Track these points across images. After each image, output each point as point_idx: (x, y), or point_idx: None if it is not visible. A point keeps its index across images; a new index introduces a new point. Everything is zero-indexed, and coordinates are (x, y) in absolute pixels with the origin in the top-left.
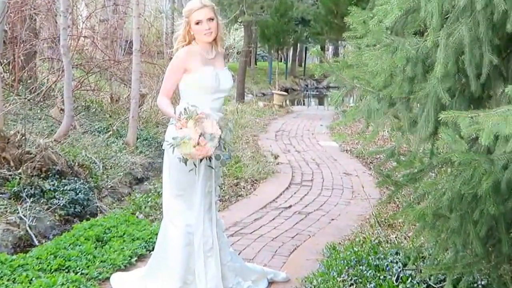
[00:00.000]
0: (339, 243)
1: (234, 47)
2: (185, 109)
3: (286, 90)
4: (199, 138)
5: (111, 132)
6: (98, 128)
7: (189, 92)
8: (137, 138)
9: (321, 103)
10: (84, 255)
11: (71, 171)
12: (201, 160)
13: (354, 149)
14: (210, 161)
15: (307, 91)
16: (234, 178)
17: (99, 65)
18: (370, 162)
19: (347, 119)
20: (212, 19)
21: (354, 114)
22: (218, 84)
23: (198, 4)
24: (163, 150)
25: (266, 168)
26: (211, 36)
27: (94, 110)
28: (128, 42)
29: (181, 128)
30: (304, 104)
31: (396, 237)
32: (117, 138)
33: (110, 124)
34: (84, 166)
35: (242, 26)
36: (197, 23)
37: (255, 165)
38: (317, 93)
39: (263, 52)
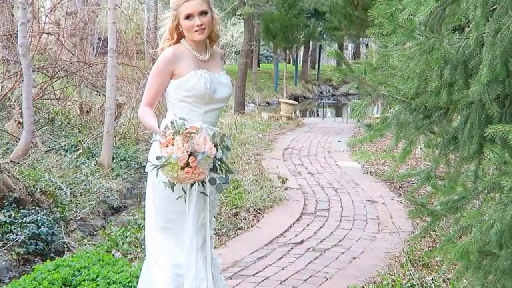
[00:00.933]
0: (363, 287)
1: (232, 46)
2: (172, 122)
3: (296, 99)
4: (188, 158)
5: (80, 151)
6: (65, 145)
7: (177, 102)
8: (113, 158)
9: (338, 114)
10: None
11: (31, 199)
12: (192, 185)
13: (380, 170)
14: (204, 186)
15: (321, 99)
16: (233, 207)
17: (65, 68)
18: (400, 187)
19: (372, 135)
20: (206, 13)
21: (381, 129)
22: (213, 92)
23: None
24: (146, 173)
25: (272, 195)
26: (204, 33)
27: (59, 123)
28: (102, 39)
29: (166, 146)
30: (318, 116)
31: (433, 279)
32: (88, 158)
33: (79, 141)
34: (48, 193)
35: (242, 20)
36: (187, 17)
37: (258, 191)
38: (333, 101)
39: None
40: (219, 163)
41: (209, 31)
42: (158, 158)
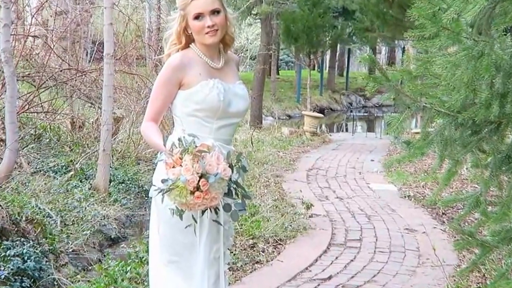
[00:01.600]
0: None
1: (247, 50)
2: (179, 139)
3: (321, 111)
4: (199, 181)
5: (72, 173)
6: (54, 166)
7: (185, 117)
8: (110, 181)
9: (371, 128)
10: None
11: (16, 229)
12: (203, 212)
13: (420, 194)
14: (217, 213)
15: (351, 111)
16: (249, 237)
17: (55, 77)
18: (444, 214)
19: (411, 154)
20: (218, 12)
21: (421, 147)
22: (227, 105)
23: None
24: (149, 198)
25: (294, 223)
26: (217, 35)
27: (48, 140)
28: (97, 43)
29: (173, 167)
30: (347, 131)
31: None
32: (81, 181)
33: (71, 161)
34: (35, 221)
35: (258, 20)
36: (197, 18)
37: (278, 218)
38: (365, 114)
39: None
40: (234, 186)
41: (222, 33)
42: (163, 181)
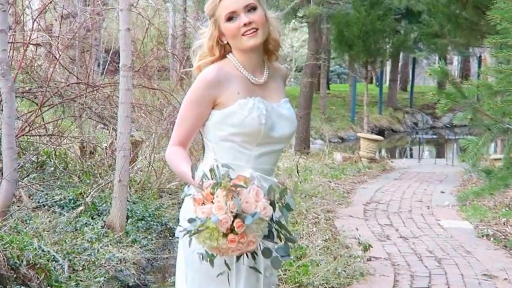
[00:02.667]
0: None
1: (291, 60)
2: (211, 169)
3: (381, 133)
4: (233, 221)
5: (82, 208)
6: (60, 200)
7: (219, 142)
8: (128, 218)
9: (440, 154)
10: None
11: (15, 276)
12: (238, 257)
13: (501, 233)
14: (255, 259)
15: (416, 133)
16: (295, 285)
17: (60, 93)
18: None
19: (493, 185)
20: (254, 8)
21: (505, 177)
22: (269, 129)
23: None
24: (175, 238)
25: (349, 268)
26: (257, 35)
27: (52, 169)
28: (111, 53)
29: (203, 203)
30: (412, 156)
31: None
32: (93, 218)
33: (80, 194)
34: (38, 266)
35: (305, 24)
36: (229, 19)
37: (330, 262)
38: (433, 136)
39: (341, 68)
40: (276, 227)
41: (264, 34)
42: (191, 220)
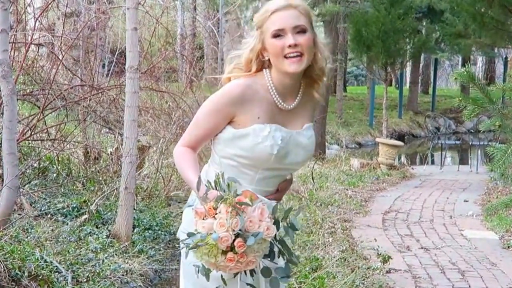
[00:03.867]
0: None
1: None
2: (216, 181)
3: (400, 138)
4: (234, 240)
5: (86, 216)
6: (63, 208)
7: (225, 158)
8: (134, 227)
9: (464, 160)
10: None
11: (16, 287)
12: (235, 274)
13: None
14: (252, 276)
15: (438, 138)
16: None
17: (63, 95)
18: None
19: None
20: (304, 31)
21: None
22: (281, 157)
23: (280, 2)
24: (180, 248)
25: (368, 280)
26: (301, 62)
27: (55, 175)
28: (116, 53)
29: (204, 217)
30: (433, 163)
31: None
32: (97, 227)
33: (84, 202)
34: (40, 277)
35: (321, 22)
36: (276, 35)
37: (348, 274)
38: (456, 142)
39: (358, 70)
40: (279, 246)
41: (308, 60)
42: (190, 235)
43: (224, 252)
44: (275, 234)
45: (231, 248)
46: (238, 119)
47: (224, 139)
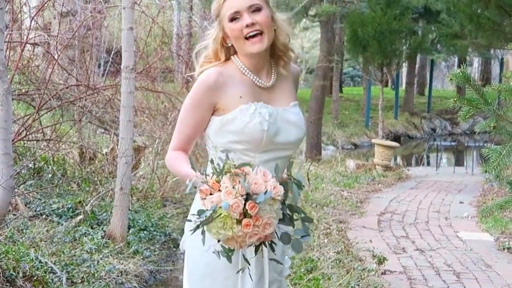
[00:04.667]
0: None
1: (302, 61)
2: (211, 161)
3: (396, 139)
4: (245, 204)
5: (81, 217)
6: (58, 208)
7: (220, 148)
8: (129, 227)
9: (460, 162)
10: None
11: None
12: (257, 250)
13: None
14: (274, 250)
15: (434, 139)
16: None
17: (59, 95)
18: None
19: None
20: (259, 9)
21: None
22: (273, 135)
23: None
24: (179, 249)
25: (363, 282)
26: (262, 41)
27: (50, 176)
28: (112, 53)
29: (210, 194)
30: (429, 164)
31: None
32: (92, 227)
33: (79, 202)
34: (35, 278)
35: (317, 23)
36: (233, 19)
37: (343, 276)
38: (452, 143)
39: (355, 70)
40: (289, 212)
41: (269, 38)
42: (200, 212)
43: (239, 221)
44: (283, 199)
45: (245, 215)
46: (221, 105)
47: (213, 131)
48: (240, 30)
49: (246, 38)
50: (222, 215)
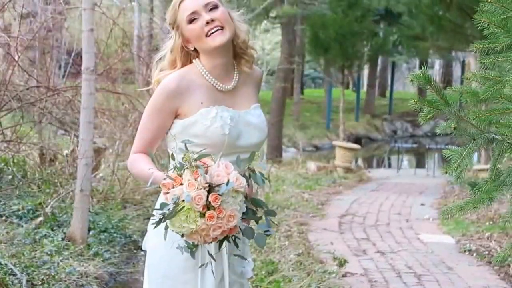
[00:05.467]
0: None
1: (263, 63)
2: (172, 155)
3: (357, 141)
4: (208, 195)
5: (42, 218)
6: (18, 210)
7: (181, 153)
8: (89, 229)
9: (420, 163)
10: None
11: None
12: (220, 245)
13: (485, 248)
14: (237, 245)
15: (395, 141)
16: None
17: (19, 97)
18: None
19: (477, 199)
20: (216, 6)
21: (491, 190)
22: (234, 138)
23: None
24: (140, 251)
25: (323, 284)
26: (224, 33)
27: (10, 177)
28: (73, 54)
29: (172, 187)
30: (390, 166)
31: None
32: (52, 229)
33: (40, 204)
34: None
35: (278, 25)
36: (191, 20)
37: (303, 278)
38: (413, 145)
39: (316, 72)
40: (251, 207)
41: (230, 32)
42: (162, 205)
43: (202, 214)
44: (246, 194)
45: (208, 207)
46: (182, 110)
47: (176, 134)
48: (200, 28)
49: (207, 36)
50: (185, 208)
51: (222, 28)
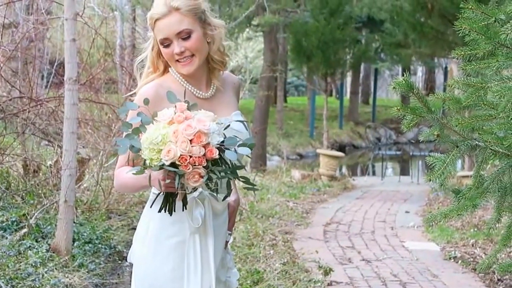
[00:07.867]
0: None
1: (246, 71)
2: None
3: (341, 149)
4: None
5: (26, 230)
6: (2, 222)
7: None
8: (74, 240)
9: (405, 171)
10: None
11: None
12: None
13: (470, 256)
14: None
15: (379, 149)
16: None
17: (2, 108)
18: (499, 280)
19: (461, 206)
20: (189, 35)
21: (474, 197)
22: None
23: (160, 9)
24: (125, 262)
25: None
26: (192, 63)
27: None
28: (55, 65)
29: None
30: (374, 174)
31: None
32: (37, 241)
33: (23, 215)
34: None
35: (261, 33)
36: (163, 43)
37: (289, 287)
38: (397, 152)
39: (299, 80)
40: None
41: (201, 58)
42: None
43: (172, 123)
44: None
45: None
46: None
47: None
48: (171, 55)
49: (178, 61)
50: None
51: (192, 55)
